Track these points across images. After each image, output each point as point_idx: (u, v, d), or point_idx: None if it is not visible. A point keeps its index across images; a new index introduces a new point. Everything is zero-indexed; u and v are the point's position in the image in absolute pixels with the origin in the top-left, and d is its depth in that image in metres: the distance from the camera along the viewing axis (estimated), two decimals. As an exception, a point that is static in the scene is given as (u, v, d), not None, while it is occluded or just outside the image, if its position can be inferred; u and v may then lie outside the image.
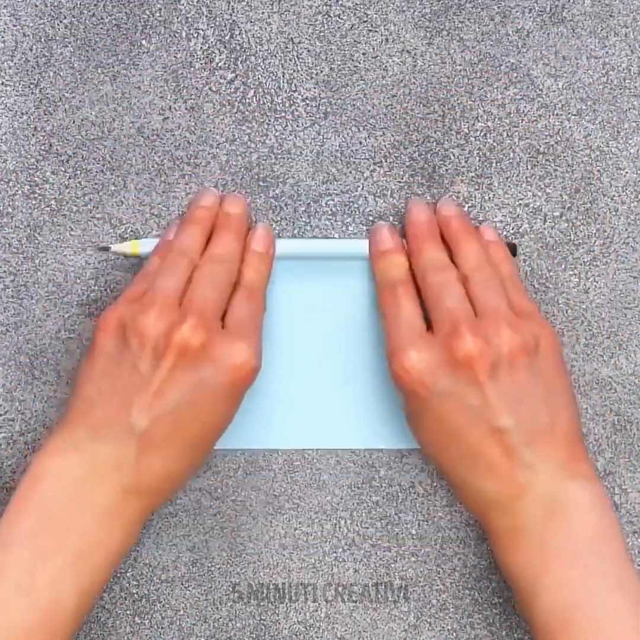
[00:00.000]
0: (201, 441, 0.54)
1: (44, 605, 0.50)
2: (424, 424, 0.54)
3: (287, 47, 0.61)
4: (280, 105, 0.61)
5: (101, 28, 0.61)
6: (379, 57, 0.61)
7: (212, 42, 0.61)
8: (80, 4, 0.61)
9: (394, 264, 0.58)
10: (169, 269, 0.56)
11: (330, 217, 0.61)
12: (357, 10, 0.61)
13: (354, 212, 0.61)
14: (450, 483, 0.55)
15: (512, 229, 0.61)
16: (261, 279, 0.57)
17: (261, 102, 0.61)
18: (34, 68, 0.60)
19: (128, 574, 0.61)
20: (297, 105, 0.61)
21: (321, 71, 0.61)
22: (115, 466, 0.52)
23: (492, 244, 0.59)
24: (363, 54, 0.61)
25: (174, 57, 0.61)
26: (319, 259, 0.60)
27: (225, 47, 0.61)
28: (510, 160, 0.61)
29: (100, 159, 0.61)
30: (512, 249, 0.60)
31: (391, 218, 0.61)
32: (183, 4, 0.61)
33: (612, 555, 0.52)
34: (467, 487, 0.54)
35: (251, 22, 0.61)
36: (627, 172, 0.61)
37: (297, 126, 0.61)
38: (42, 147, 0.60)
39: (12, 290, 0.60)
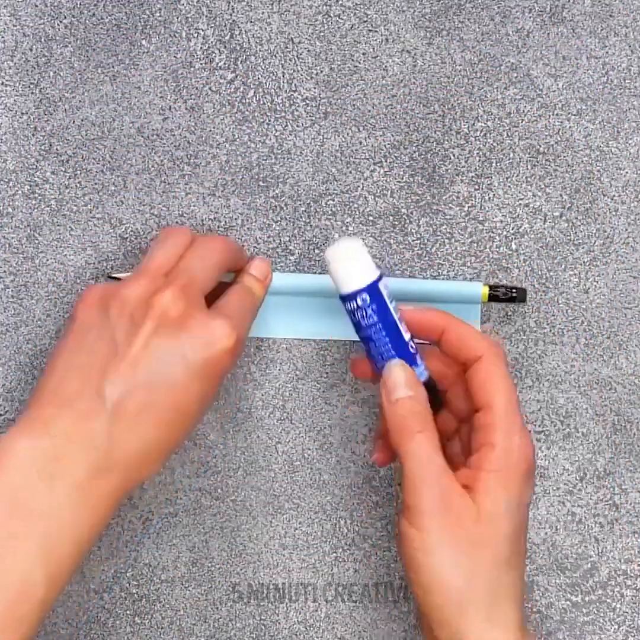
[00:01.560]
0: (176, 419, 0.52)
1: (12, 595, 0.47)
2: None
3: (287, 47, 0.61)
4: (280, 105, 0.61)
5: (101, 28, 0.61)
6: (379, 57, 0.61)
7: (212, 42, 0.61)
8: (80, 4, 0.61)
9: (411, 413, 0.53)
10: (161, 243, 0.55)
11: (330, 217, 0.61)
12: (357, 10, 0.61)
13: (354, 212, 0.61)
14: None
15: (512, 229, 0.61)
16: (260, 291, 0.57)
17: (261, 102, 0.61)
18: (34, 68, 0.60)
19: (128, 574, 0.61)
20: (297, 105, 0.61)
21: (321, 71, 0.61)
22: (85, 443, 0.50)
23: None
24: (363, 54, 0.61)
25: (174, 57, 0.61)
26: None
27: (225, 47, 0.61)
28: (510, 160, 0.61)
29: (100, 159, 0.61)
30: (522, 293, 0.59)
31: (391, 218, 0.61)
32: (183, 4, 0.61)
33: None
34: None
35: (251, 22, 0.61)
36: (627, 172, 0.61)
37: (297, 126, 0.61)
38: (42, 147, 0.60)
39: (12, 290, 0.60)
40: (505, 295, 0.60)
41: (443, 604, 0.50)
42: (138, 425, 0.50)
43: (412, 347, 0.53)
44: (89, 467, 0.50)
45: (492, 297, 0.59)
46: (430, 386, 0.54)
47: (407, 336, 0.53)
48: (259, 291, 0.57)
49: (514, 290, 0.60)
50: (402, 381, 0.52)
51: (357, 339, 0.58)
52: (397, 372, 0.53)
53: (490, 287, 0.59)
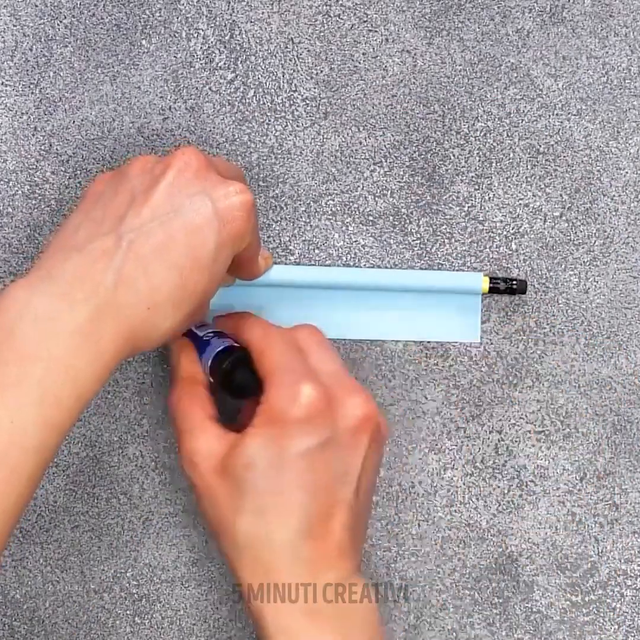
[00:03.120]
0: (189, 265, 0.50)
1: (1, 441, 0.45)
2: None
3: (287, 47, 0.61)
4: (280, 105, 0.61)
5: (101, 28, 0.61)
6: (379, 57, 0.61)
7: (212, 42, 0.61)
8: (80, 4, 0.61)
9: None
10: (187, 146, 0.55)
11: (330, 217, 0.61)
12: (357, 10, 0.61)
13: (354, 212, 0.61)
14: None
15: (512, 229, 0.61)
16: (263, 260, 0.58)
17: (261, 102, 0.61)
18: (34, 68, 0.60)
19: (128, 574, 0.61)
20: (297, 105, 0.61)
21: (321, 71, 0.61)
22: (91, 283, 0.48)
23: None
24: (363, 54, 0.61)
25: (174, 57, 0.61)
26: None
27: (225, 47, 0.61)
28: (510, 160, 0.61)
29: (100, 159, 0.61)
30: (522, 285, 0.60)
31: (391, 218, 0.61)
32: (183, 4, 0.61)
33: None
34: None
35: (251, 22, 0.61)
36: (627, 172, 0.61)
37: (297, 126, 0.61)
38: (42, 147, 0.60)
39: (12, 290, 0.60)
40: (506, 287, 0.60)
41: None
42: (150, 264, 0.49)
43: (206, 336, 0.56)
44: (91, 310, 0.47)
45: (493, 289, 0.60)
46: (234, 359, 0.55)
47: (201, 333, 0.57)
48: (259, 261, 0.58)
49: (514, 282, 0.60)
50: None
51: (357, 338, 0.58)
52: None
53: (491, 279, 0.60)
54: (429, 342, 0.61)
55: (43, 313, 0.46)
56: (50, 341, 0.46)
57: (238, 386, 0.54)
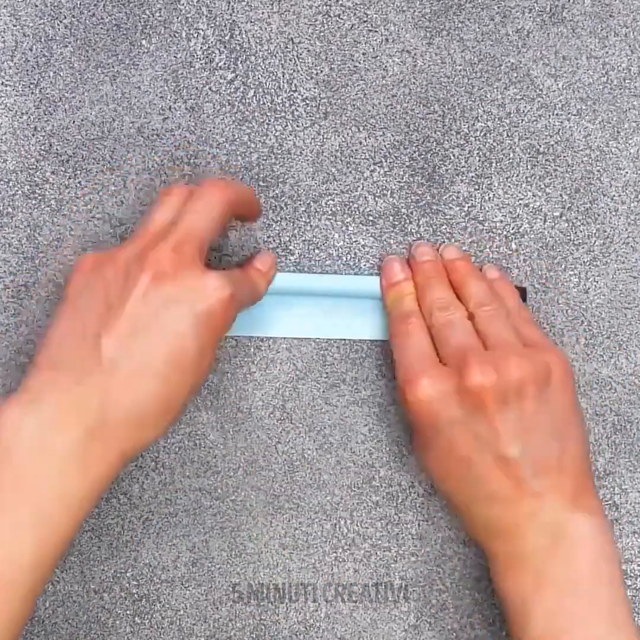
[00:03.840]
0: (172, 373, 0.50)
1: None
2: (432, 452, 0.55)
3: (287, 47, 0.61)
4: (280, 105, 0.61)
5: (101, 28, 0.61)
6: (379, 57, 0.61)
7: (212, 42, 0.61)
8: (80, 4, 0.61)
9: (404, 295, 0.59)
10: (157, 205, 0.54)
11: (330, 217, 0.61)
12: (357, 10, 0.61)
13: (354, 212, 0.61)
14: (456, 511, 0.56)
15: (512, 229, 0.61)
16: (262, 283, 0.58)
17: (261, 102, 0.61)
18: (34, 68, 0.60)
19: (128, 574, 0.61)
20: (297, 105, 0.61)
21: (321, 71, 0.61)
22: (78, 407, 0.49)
23: (497, 281, 0.60)
24: (363, 54, 0.61)
25: (174, 57, 0.61)
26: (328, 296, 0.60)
27: (225, 47, 0.61)
28: (510, 160, 0.61)
29: (100, 159, 0.61)
30: (522, 293, 0.60)
31: (391, 218, 0.61)
32: (183, 4, 0.61)
33: (607, 586, 0.52)
34: (472, 515, 0.54)
35: (251, 22, 0.61)
36: (627, 172, 0.61)
37: (297, 126, 0.61)
38: (42, 147, 0.60)
39: (12, 290, 0.60)
40: None
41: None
42: (133, 380, 0.49)
43: None
44: (80, 434, 0.49)
45: None
46: None
47: None
48: (260, 282, 0.58)
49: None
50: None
51: (357, 338, 0.58)
52: (394, 264, 0.60)
53: None
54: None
55: (35, 438, 0.48)
56: (42, 465, 0.48)
57: None
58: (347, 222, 0.61)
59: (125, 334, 0.50)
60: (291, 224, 0.61)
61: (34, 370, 0.51)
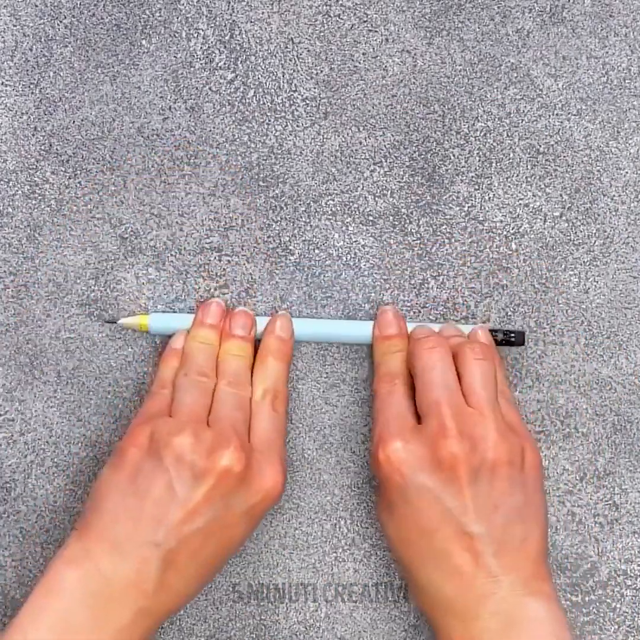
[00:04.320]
0: (220, 559, 0.55)
1: None
2: (395, 516, 0.54)
3: (287, 47, 0.61)
4: (280, 105, 0.61)
5: (101, 28, 0.61)
6: (379, 57, 0.61)
7: (212, 42, 0.61)
8: (80, 4, 0.61)
9: (394, 351, 0.58)
10: (191, 387, 0.57)
11: (330, 217, 0.61)
12: (357, 10, 0.61)
13: (354, 212, 0.61)
14: (412, 582, 0.55)
15: (512, 229, 0.61)
16: (282, 379, 0.59)
17: (261, 102, 0.61)
18: (34, 68, 0.60)
19: (128, 574, 0.61)
20: (297, 105, 0.61)
21: (321, 71, 0.61)
22: (134, 586, 0.52)
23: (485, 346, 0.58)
24: (363, 54, 0.61)
25: (174, 57, 0.61)
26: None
27: (225, 47, 0.61)
28: (510, 160, 0.61)
29: (100, 159, 0.61)
30: (520, 338, 0.60)
31: (391, 218, 0.61)
32: (183, 4, 0.61)
33: None
34: (428, 588, 0.53)
35: (251, 22, 0.61)
36: (627, 172, 0.61)
37: (297, 126, 0.61)
38: (42, 147, 0.60)
39: (12, 290, 0.60)
40: (503, 339, 0.60)
41: None
42: (186, 570, 0.53)
43: None
44: (134, 611, 0.52)
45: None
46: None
47: None
48: (283, 371, 0.59)
49: (512, 334, 0.59)
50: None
51: (357, 342, 0.58)
52: (388, 314, 0.60)
53: (491, 331, 0.59)
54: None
55: (91, 605, 0.51)
56: (97, 634, 0.51)
57: None
58: (347, 222, 0.61)
59: (186, 527, 0.52)
60: (291, 224, 0.61)
61: (88, 534, 0.53)
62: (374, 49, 0.61)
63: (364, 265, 0.61)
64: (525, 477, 0.54)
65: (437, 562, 0.53)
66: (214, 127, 0.61)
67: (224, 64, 0.61)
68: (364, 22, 0.61)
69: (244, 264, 0.61)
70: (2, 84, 0.60)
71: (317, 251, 0.61)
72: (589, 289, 0.61)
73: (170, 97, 0.61)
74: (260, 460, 0.55)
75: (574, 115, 0.61)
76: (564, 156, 0.61)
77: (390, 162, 0.61)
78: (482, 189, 0.61)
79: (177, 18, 0.61)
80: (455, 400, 0.54)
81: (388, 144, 0.61)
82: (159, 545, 0.52)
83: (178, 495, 0.52)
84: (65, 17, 0.61)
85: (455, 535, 0.52)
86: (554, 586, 0.54)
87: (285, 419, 0.58)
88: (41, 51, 0.61)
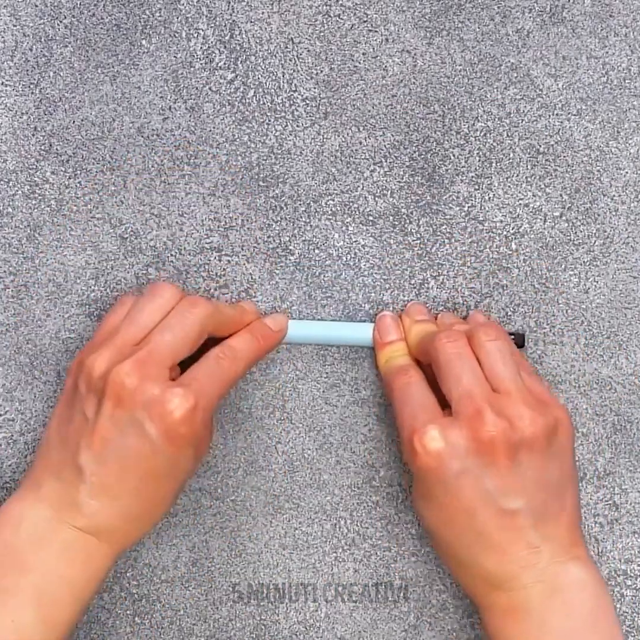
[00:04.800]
0: (150, 486, 0.54)
1: (4, 638, 0.51)
2: (434, 503, 0.54)
3: (287, 47, 0.61)
4: (280, 105, 0.61)
5: (101, 28, 0.61)
6: (379, 57, 0.61)
7: (212, 42, 0.61)
8: (80, 4, 0.61)
9: (397, 356, 0.59)
10: (141, 307, 0.56)
11: (330, 217, 0.61)
12: (357, 10, 0.61)
13: (354, 212, 0.61)
14: (454, 562, 0.55)
15: (512, 229, 0.61)
16: (247, 352, 0.57)
17: (261, 102, 0.61)
18: (34, 68, 0.60)
19: (128, 574, 0.61)
20: (297, 105, 0.61)
21: (321, 71, 0.61)
22: (71, 506, 0.53)
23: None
24: (363, 54, 0.61)
25: (174, 57, 0.61)
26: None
27: (225, 47, 0.61)
28: (510, 160, 0.61)
29: (100, 159, 0.61)
30: (520, 339, 0.60)
31: (391, 218, 0.61)
32: (183, 4, 0.61)
33: (604, 633, 0.53)
34: (470, 565, 0.54)
35: (251, 22, 0.61)
36: (627, 172, 0.61)
37: (297, 126, 0.61)
38: (42, 147, 0.60)
39: (12, 290, 0.60)
40: None
41: None
42: (114, 493, 0.53)
43: None
44: (76, 530, 0.53)
45: None
46: None
47: None
48: (258, 348, 0.58)
49: (512, 336, 0.59)
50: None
51: (356, 345, 0.58)
52: (386, 320, 0.60)
53: None
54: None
55: (36, 532, 0.53)
56: (43, 554, 0.52)
57: None
58: (347, 222, 0.61)
59: (100, 451, 0.53)
60: (291, 224, 0.61)
61: (34, 466, 0.55)
62: (374, 49, 0.61)
63: (364, 265, 0.61)
64: (559, 447, 0.54)
65: (479, 541, 0.53)
66: (214, 127, 0.61)
67: (224, 64, 0.61)
68: (364, 22, 0.61)
69: (244, 264, 0.61)
70: (2, 84, 0.60)
71: (317, 251, 0.61)
72: (589, 289, 0.61)
73: (170, 97, 0.61)
74: (167, 384, 0.53)
75: (574, 115, 0.61)
76: (564, 156, 0.61)
77: (390, 162, 0.61)
78: (482, 189, 0.61)
79: (177, 18, 0.61)
80: (484, 385, 0.54)
81: (388, 144, 0.61)
82: (82, 470, 0.53)
83: (89, 420, 0.53)
84: (65, 17, 0.61)
85: (496, 514, 0.52)
86: (588, 549, 0.54)
87: (228, 376, 0.56)
88: (41, 51, 0.61)
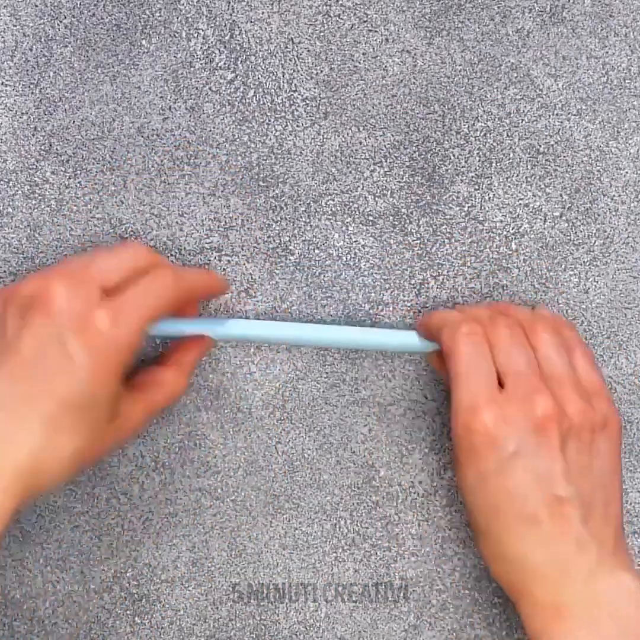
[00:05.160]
0: (64, 414, 0.49)
1: None
2: (485, 486, 0.53)
3: (287, 47, 0.61)
4: (280, 105, 0.61)
5: (101, 28, 0.61)
6: (379, 57, 0.61)
7: (212, 42, 0.61)
8: (80, 4, 0.61)
9: (467, 325, 0.56)
10: (114, 255, 0.53)
11: (330, 217, 0.61)
12: (357, 10, 0.61)
13: (354, 212, 0.61)
14: (499, 555, 0.53)
15: (512, 229, 0.61)
16: (194, 282, 0.56)
17: (261, 102, 0.61)
18: (34, 68, 0.60)
19: (128, 574, 0.61)
20: (297, 105, 0.61)
21: (321, 71, 0.61)
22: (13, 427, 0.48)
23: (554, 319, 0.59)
24: (363, 54, 0.61)
25: (174, 57, 0.61)
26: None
27: (225, 47, 0.61)
28: (510, 160, 0.61)
29: (100, 159, 0.61)
30: None
31: (391, 218, 0.61)
32: (183, 4, 0.61)
33: None
34: (517, 556, 0.52)
35: (251, 22, 0.61)
36: (627, 172, 0.61)
37: (297, 126, 0.61)
38: (42, 147, 0.60)
39: (12, 290, 0.60)
40: None
41: None
42: (23, 421, 0.48)
43: None
44: (27, 451, 0.48)
45: None
46: None
47: None
48: (201, 285, 0.56)
49: None
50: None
51: (355, 347, 0.58)
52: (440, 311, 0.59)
53: None
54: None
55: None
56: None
57: None
58: (347, 222, 0.61)
59: (15, 366, 0.49)
60: (291, 224, 0.61)
61: None
62: (374, 49, 0.61)
63: (364, 265, 0.61)
64: (605, 445, 0.54)
65: (527, 529, 0.52)
66: (214, 127, 0.61)
67: (224, 64, 0.61)
68: (364, 22, 0.61)
69: (244, 264, 0.61)
70: (2, 84, 0.60)
71: (317, 251, 0.61)
72: (589, 289, 0.61)
73: (170, 97, 0.61)
74: (102, 305, 0.50)
75: (574, 115, 0.61)
76: (564, 156, 0.61)
77: (390, 162, 0.61)
78: (482, 189, 0.61)
79: (177, 18, 0.61)
80: (536, 368, 0.54)
81: (388, 144, 0.61)
82: (12, 393, 0.48)
83: (7, 337, 0.50)
84: (65, 17, 0.61)
85: (546, 499, 0.52)
86: (634, 562, 0.54)
87: (163, 297, 0.53)
88: (41, 51, 0.61)
